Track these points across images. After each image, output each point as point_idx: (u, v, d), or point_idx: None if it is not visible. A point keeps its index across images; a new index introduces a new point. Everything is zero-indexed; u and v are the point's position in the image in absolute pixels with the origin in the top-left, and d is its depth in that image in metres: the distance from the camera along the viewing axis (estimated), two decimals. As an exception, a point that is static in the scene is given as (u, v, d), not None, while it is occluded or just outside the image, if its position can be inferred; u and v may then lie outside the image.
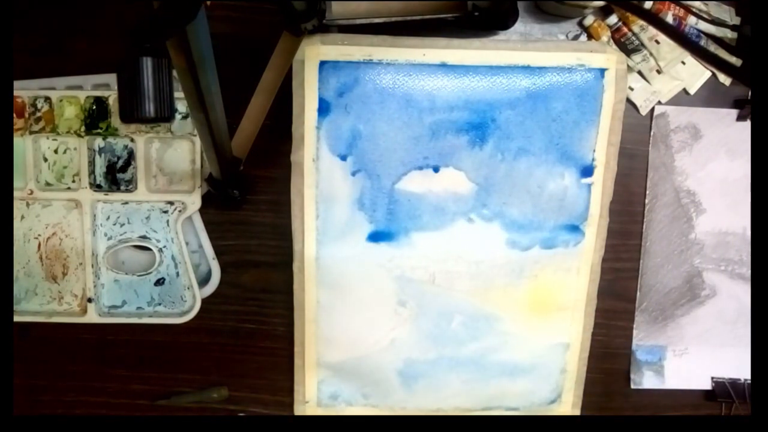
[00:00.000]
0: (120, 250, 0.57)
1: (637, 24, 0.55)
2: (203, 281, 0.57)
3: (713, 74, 0.57)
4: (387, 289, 0.56)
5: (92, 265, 0.56)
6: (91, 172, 0.55)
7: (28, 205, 0.56)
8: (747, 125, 0.58)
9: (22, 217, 0.56)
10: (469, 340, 0.57)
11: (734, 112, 0.58)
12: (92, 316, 0.56)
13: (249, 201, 0.57)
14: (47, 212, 0.56)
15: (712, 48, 0.54)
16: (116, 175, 0.56)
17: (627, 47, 0.55)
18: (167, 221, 0.56)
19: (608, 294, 0.58)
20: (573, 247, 0.56)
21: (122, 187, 0.56)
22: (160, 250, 0.56)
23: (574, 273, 0.56)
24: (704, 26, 0.54)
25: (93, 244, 0.56)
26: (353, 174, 0.53)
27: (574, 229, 0.55)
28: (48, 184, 0.56)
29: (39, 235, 0.56)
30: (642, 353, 0.60)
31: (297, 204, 0.54)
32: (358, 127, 0.53)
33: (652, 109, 0.57)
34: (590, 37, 0.55)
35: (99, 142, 0.55)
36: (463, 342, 0.57)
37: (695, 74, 0.57)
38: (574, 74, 0.53)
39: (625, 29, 0.55)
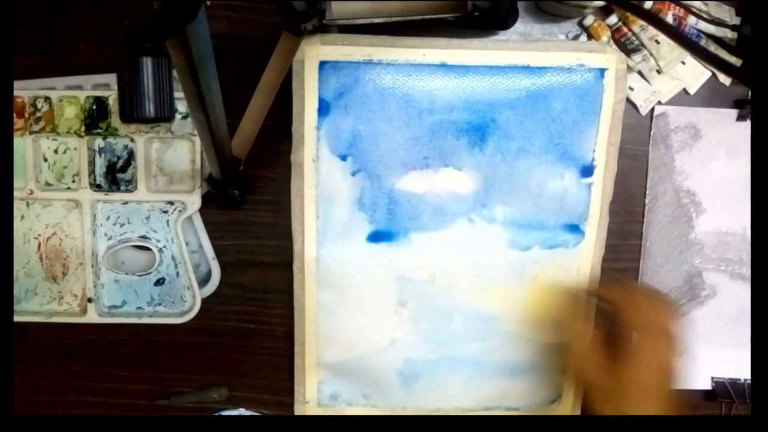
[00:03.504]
0: (120, 250, 0.57)
1: (637, 24, 0.55)
2: (203, 281, 0.57)
3: (713, 74, 0.57)
4: (387, 289, 0.55)
5: (92, 265, 0.56)
6: (91, 172, 0.55)
7: (28, 205, 0.56)
8: (747, 125, 0.58)
9: (22, 217, 0.56)
10: (469, 341, 0.57)
11: (734, 112, 0.58)
12: (92, 316, 0.56)
13: (249, 201, 0.57)
14: (47, 212, 0.56)
15: (712, 48, 0.54)
16: (116, 175, 0.56)
17: (627, 47, 0.55)
18: (167, 221, 0.56)
19: (608, 294, 0.58)
20: (573, 247, 0.56)
21: (122, 187, 0.56)
22: (160, 250, 0.56)
23: (574, 273, 0.56)
24: (704, 26, 0.54)
25: (93, 244, 0.56)
26: (353, 174, 0.53)
27: (574, 229, 0.55)
28: (48, 184, 0.56)
29: (39, 235, 0.56)
30: (642, 353, 0.60)
31: (297, 204, 0.54)
32: (358, 128, 0.53)
33: (652, 109, 0.57)
34: (590, 37, 0.55)
35: (99, 142, 0.55)
36: (463, 342, 0.57)
37: (695, 74, 0.57)
38: (574, 74, 0.53)
39: (625, 29, 0.55)
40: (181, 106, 0.54)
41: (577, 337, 0.52)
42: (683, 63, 0.56)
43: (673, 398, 0.47)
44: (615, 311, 0.49)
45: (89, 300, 0.56)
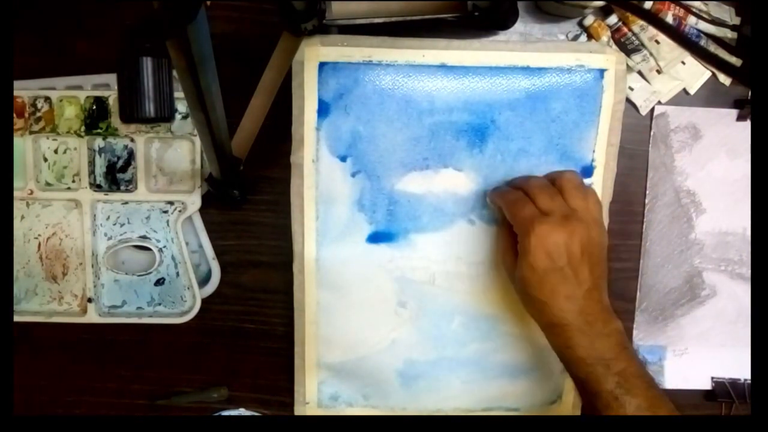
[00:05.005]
0: (120, 250, 0.57)
1: (637, 24, 0.55)
2: (203, 281, 0.57)
3: (713, 74, 0.57)
4: (387, 290, 0.55)
5: (92, 265, 0.56)
6: (91, 172, 0.55)
7: (28, 205, 0.56)
8: (747, 125, 0.58)
9: (22, 217, 0.56)
10: (469, 341, 0.57)
11: (734, 112, 0.58)
12: (92, 316, 0.56)
13: (249, 201, 0.57)
14: (47, 212, 0.56)
15: (712, 48, 0.54)
16: (116, 175, 0.56)
17: (627, 47, 0.55)
18: (167, 221, 0.56)
19: (608, 294, 0.58)
20: (573, 248, 0.56)
21: (122, 187, 0.56)
22: (160, 250, 0.56)
23: (574, 273, 0.56)
24: (704, 26, 0.54)
25: (93, 244, 0.56)
26: (353, 175, 0.53)
27: (574, 229, 0.55)
28: (48, 184, 0.56)
29: (39, 235, 0.56)
30: (642, 353, 0.60)
31: (297, 205, 0.54)
32: (357, 129, 0.53)
33: (652, 109, 0.57)
34: (590, 37, 0.55)
35: (99, 142, 0.55)
36: (463, 343, 0.57)
37: (695, 74, 0.57)
38: (574, 75, 0.53)
39: (625, 29, 0.55)
40: (181, 106, 0.54)
41: (500, 238, 0.53)
42: (683, 63, 0.56)
43: (590, 275, 0.47)
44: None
45: (89, 300, 0.56)
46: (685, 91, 0.57)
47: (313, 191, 0.53)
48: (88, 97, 0.54)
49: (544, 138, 0.53)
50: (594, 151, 0.54)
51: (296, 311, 0.56)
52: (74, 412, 0.59)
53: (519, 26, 0.55)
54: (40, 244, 0.56)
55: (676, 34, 0.46)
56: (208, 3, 0.54)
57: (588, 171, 0.54)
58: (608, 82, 0.53)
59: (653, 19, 0.46)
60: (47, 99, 0.54)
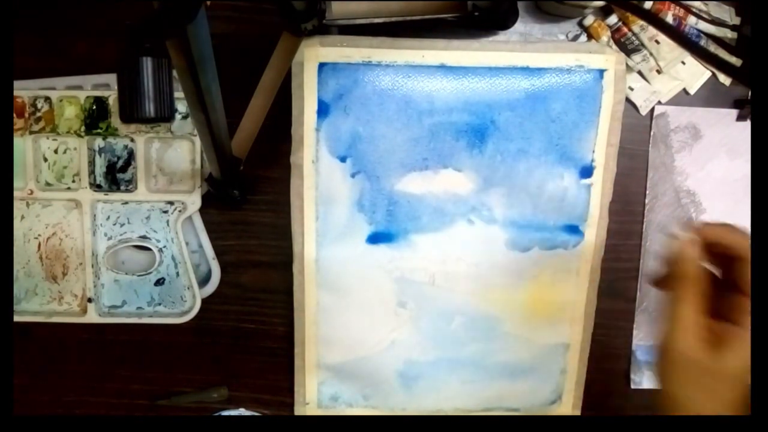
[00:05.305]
0: (120, 250, 0.57)
1: (637, 24, 0.55)
2: (203, 281, 0.57)
3: (713, 74, 0.57)
4: (387, 290, 0.55)
5: (92, 265, 0.56)
6: (91, 172, 0.55)
7: (28, 205, 0.56)
8: (747, 125, 0.58)
9: (22, 217, 0.56)
10: (469, 341, 0.57)
11: (734, 112, 0.58)
12: (92, 316, 0.56)
13: (249, 201, 0.57)
14: (47, 212, 0.56)
15: (712, 48, 0.54)
16: (116, 175, 0.56)
17: (627, 47, 0.55)
18: (167, 221, 0.56)
19: (608, 294, 0.58)
20: (573, 248, 0.56)
21: (122, 187, 0.56)
22: (160, 250, 0.56)
23: (574, 274, 0.56)
24: (704, 26, 0.54)
25: (93, 244, 0.56)
26: (353, 176, 0.53)
27: (574, 230, 0.55)
28: (48, 184, 0.56)
29: (39, 235, 0.56)
30: (642, 353, 0.60)
31: (296, 206, 0.54)
32: (357, 129, 0.53)
33: (652, 109, 0.57)
34: (590, 37, 0.55)
35: (99, 142, 0.55)
36: (463, 343, 0.57)
37: (695, 74, 0.57)
38: (573, 75, 0.53)
39: (625, 29, 0.55)
40: (181, 106, 0.54)
41: (682, 297, 0.40)
42: (683, 63, 0.56)
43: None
44: (734, 267, 0.40)
45: (89, 300, 0.56)
46: (685, 91, 0.57)
47: (313, 192, 0.54)
48: (88, 97, 0.54)
49: (543, 138, 0.53)
50: (594, 152, 0.54)
51: (296, 311, 0.56)
52: (74, 412, 0.59)
53: (519, 26, 0.55)
54: (40, 244, 0.57)
55: (676, 34, 0.46)
56: (208, 3, 0.54)
57: (587, 171, 0.55)
58: (608, 83, 0.53)
59: (653, 19, 0.46)
60: (47, 99, 0.54)
